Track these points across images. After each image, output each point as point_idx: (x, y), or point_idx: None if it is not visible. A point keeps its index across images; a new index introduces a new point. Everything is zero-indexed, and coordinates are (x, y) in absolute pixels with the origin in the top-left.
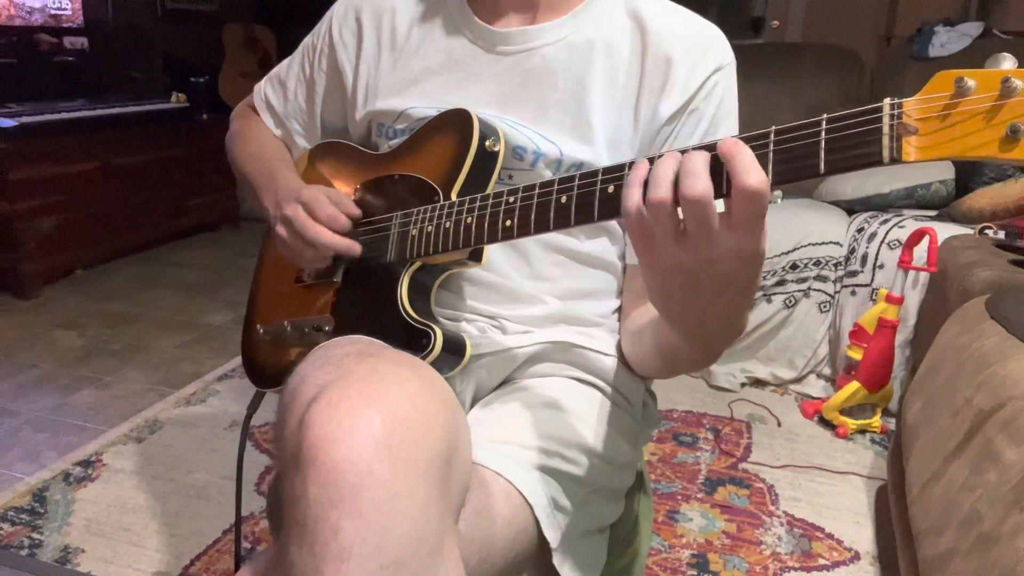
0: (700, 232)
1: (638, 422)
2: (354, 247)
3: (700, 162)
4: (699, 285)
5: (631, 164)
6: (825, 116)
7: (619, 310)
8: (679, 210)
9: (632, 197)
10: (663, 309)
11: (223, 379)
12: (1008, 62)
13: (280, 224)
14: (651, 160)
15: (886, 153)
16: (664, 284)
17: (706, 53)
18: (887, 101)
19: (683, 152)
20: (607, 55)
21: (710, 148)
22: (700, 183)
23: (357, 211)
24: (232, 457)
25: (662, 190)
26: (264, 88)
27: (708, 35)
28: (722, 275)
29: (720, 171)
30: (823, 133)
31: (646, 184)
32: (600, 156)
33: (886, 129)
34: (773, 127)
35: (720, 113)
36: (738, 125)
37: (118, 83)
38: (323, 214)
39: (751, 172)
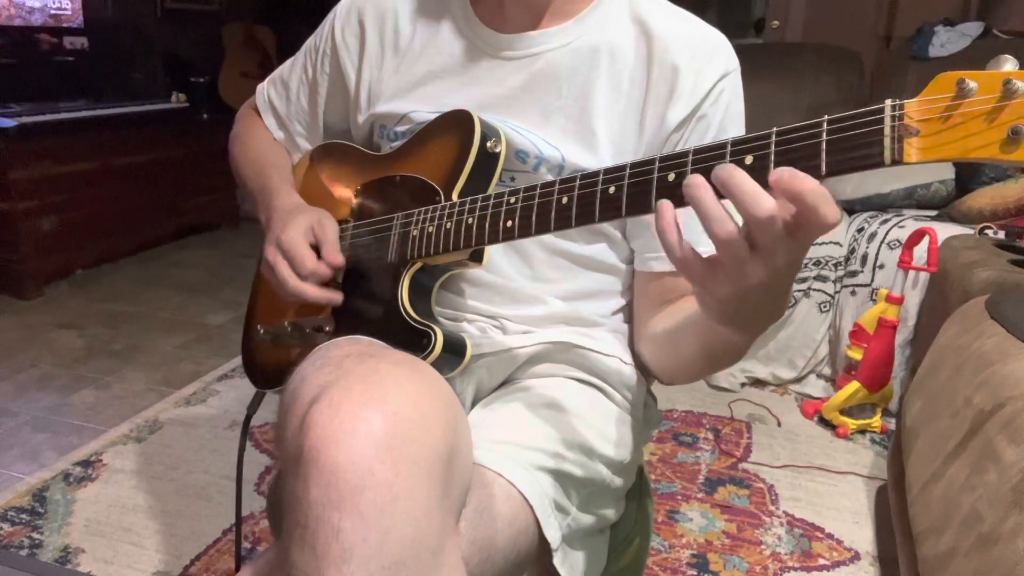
0: (775, 246)
1: (639, 422)
2: (335, 299)
3: (749, 181)
4: (774, 289)
5: (632, 164)
6: (826, 117)
7: (622, 310)
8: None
9: (677, 244)
10: (730, 319)
11: (223, 379)
12: (1010, 64)
13: (263, 264)
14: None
15: (887, 154)
16: (741, 301)
17: (711, 60)
18: (888, 103)
19: (694, 165)
20: (611, 61)
21: (713, 149)
22: (766, 201)
23: (340, 260)
24: (232, 457)
25: (727, 224)
26: (267, 89)
27: (713, 41)
28: (792, 272)
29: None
30: (824, 135)
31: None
32: (604, 163)
33: (887, 131)
34: (775, 128)
35: (727, 119)
36: (745, 130)
37: (118, 83)
38: (305, 270)
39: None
